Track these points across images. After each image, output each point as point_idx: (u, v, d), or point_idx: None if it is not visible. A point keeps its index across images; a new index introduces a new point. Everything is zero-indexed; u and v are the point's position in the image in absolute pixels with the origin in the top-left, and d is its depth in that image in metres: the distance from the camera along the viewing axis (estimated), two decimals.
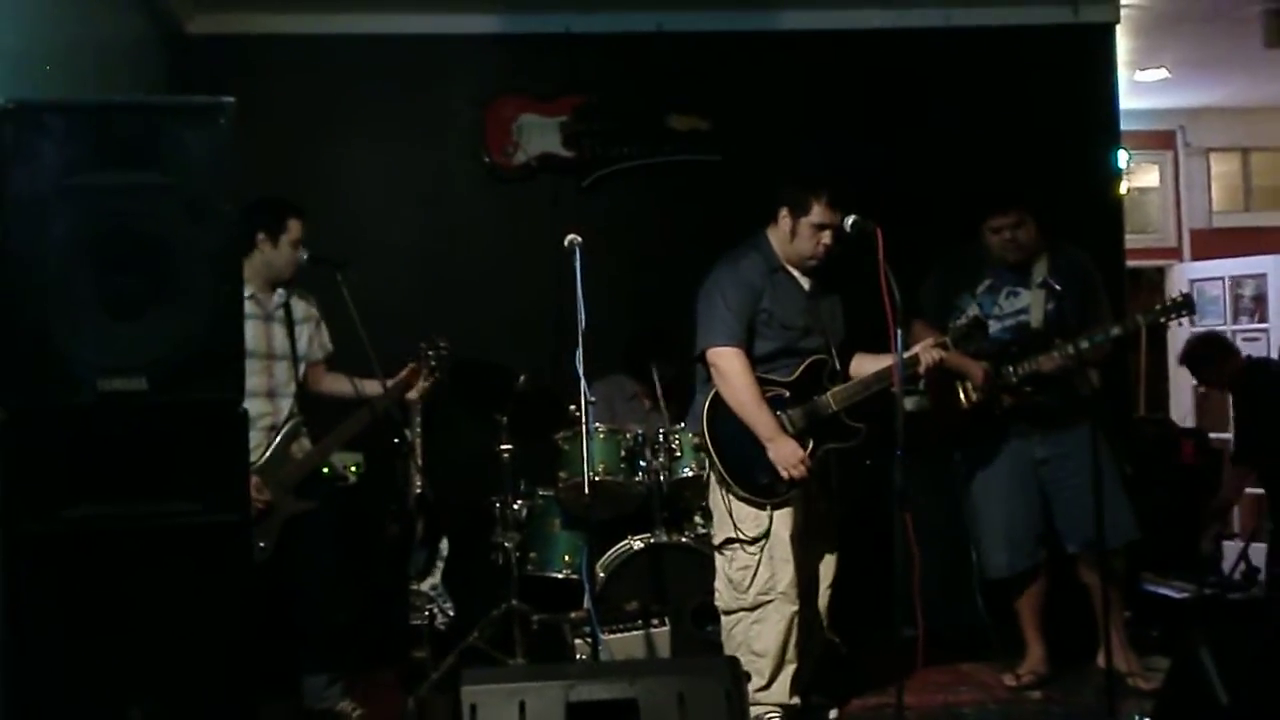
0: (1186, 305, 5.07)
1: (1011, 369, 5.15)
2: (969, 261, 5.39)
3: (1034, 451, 5.21)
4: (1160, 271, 9.52)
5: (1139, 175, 9.83)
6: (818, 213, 4.67)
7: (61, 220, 3.08)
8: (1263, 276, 8.97)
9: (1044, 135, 6.61)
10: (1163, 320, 5.22)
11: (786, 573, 4.68)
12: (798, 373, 4.78)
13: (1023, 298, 5.26)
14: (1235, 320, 8.97)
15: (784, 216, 4.75)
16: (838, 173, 5.15)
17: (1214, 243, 9.66)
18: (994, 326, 5.21)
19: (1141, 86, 8.51)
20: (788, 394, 4.76)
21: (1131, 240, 7.54)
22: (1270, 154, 10.24)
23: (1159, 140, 9.83)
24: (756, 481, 4.70)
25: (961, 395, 5.25)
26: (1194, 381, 9.14)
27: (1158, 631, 5.87)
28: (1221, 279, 9.11)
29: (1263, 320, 8.93)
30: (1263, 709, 3.48)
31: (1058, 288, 5.02)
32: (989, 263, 5.33)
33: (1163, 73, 8.39)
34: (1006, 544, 5.32)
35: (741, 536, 4.71)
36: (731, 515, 4.75)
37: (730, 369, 4.69)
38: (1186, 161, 9.91)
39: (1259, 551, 7.68)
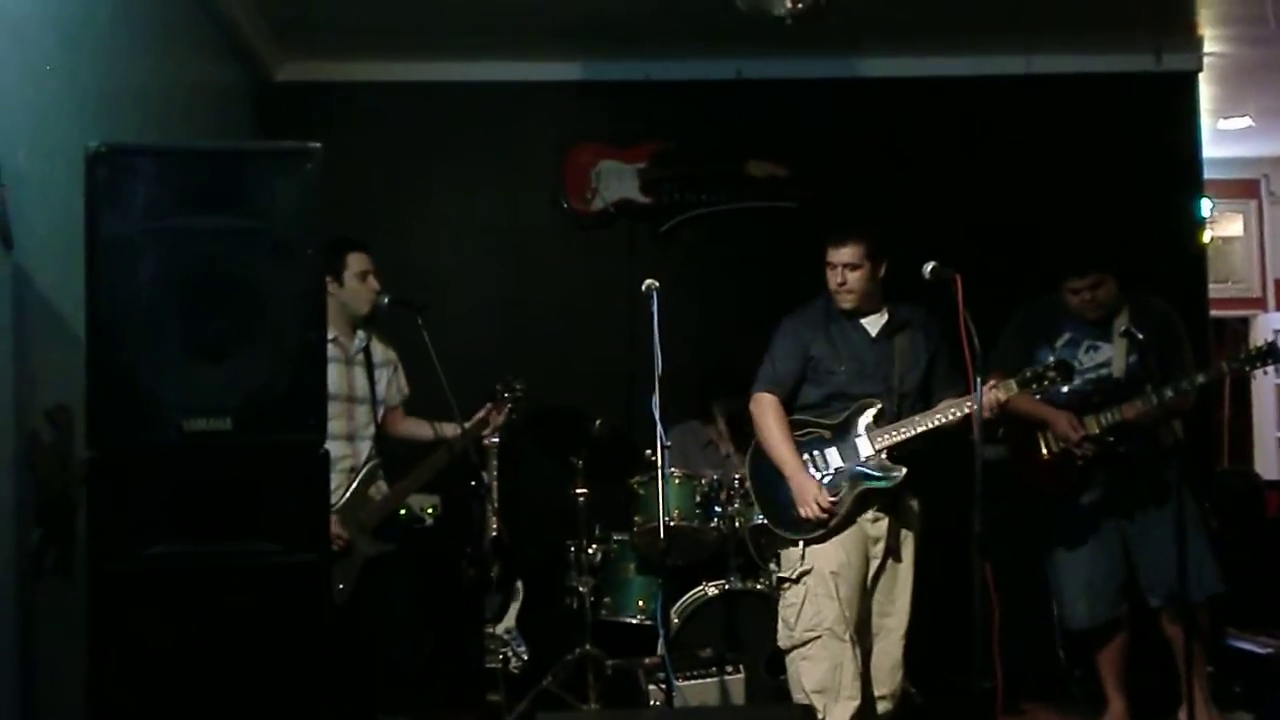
0: (1272, 354, 5.01)
1: (1094, 418, 5.10)
2: (1048, 314, 5.34)
3: (1117, 503, 5.14)
4: (1244, 321, 9.38)
5: (1223, 224, 9.71)
6: (829, 253, 4.71)
7: (150, 262, 3.14)
8: None
9: (1127, 184, 6.58)
10: (1247, 369, 5.16)
11: (831, 609, 4.63)
12: (843, 417, 4.76)
13: (1104, 351, 5.21)
14: None
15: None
16: (912, 219, 5.14)
17: None
18: (1075, 381, 5.14)
19: (1225, 135, 8.41)
20: (828, 434, 4.76)
21: (1215, 290, 7.45)
22: None
23: (1243, 189, 9.71)
24: (787, 517, 4.70)
25: (1043, 445, 5.21)
26: (1278, 433, 9.04)
27: (1241, 687, 5.75)
28: None
29: None
30: None
31: (1140, 336, 4.96)
32: (1069, 315, 5.29)
33: (1246, 121, 8.29)
34: (1088, 595, 5.25)
35: (786, 575, 4.71)
36: (781, 554, 4.76)
37: (758, 411, 4.77)
38: (1271, 210, 9.77)
39: None
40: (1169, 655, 5.23)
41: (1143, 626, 5.32)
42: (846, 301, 4.80)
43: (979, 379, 4.08)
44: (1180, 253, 6.75)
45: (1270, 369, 5.24)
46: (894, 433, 4.72)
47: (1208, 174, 7.09)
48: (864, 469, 4.71)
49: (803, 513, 4.65)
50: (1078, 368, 5.19)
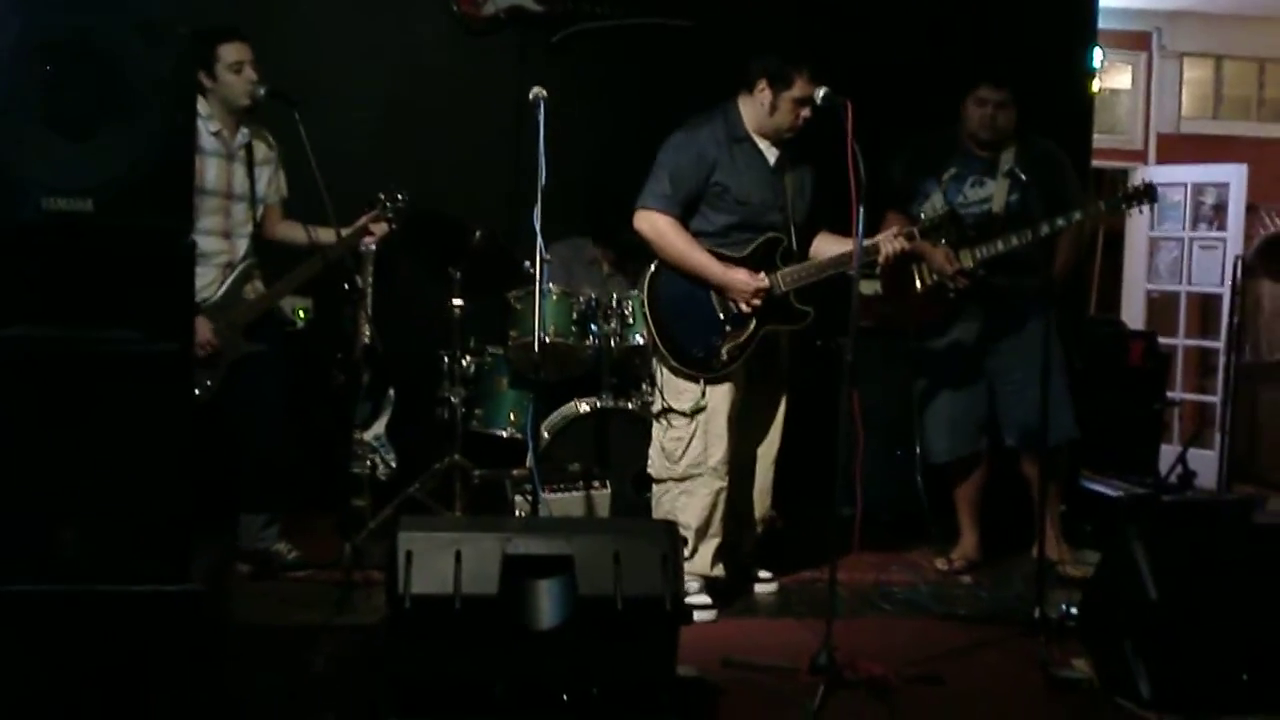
0: (1149, 194, 5.09)
1: (970, 252, 5.14)
2: (937, 148, 5.36)
3: (984, 341, 5.22)
4: (1123, 173, 9.47)
5: (1111, 75, 9.76)
6: (800, 87, 4.58)
7: (11, 26, 2.98)
8: (1225, 186, 8.97)
9: (1020, 28, 6.54)
10: (1124, 208, 5.25)
11: (720, 448, 4.70)
12: (750, 249, 4.73)
13: (988, 187, 5.24)
14: (1194, 227, 8.98)
15: (762, 88, 4.66)
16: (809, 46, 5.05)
17: (1180, 149, 9.63)
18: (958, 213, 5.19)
19: None
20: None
21: (1098, 140, 7.52)
22: (1243, 63, 10.19)
23: (1134, 41, 9.74)
24: (690, 355, 4.70)
25: (917, 278, 5.25)
26: (1148, 285, 9.26)
27: (1091, 527, 5.96)
28: (1184, 185, 9.09)
29: (1221, 229, 8.95)
30: (1188, 606, 3.56)
31: (1023, 178, 4.99)
32: (957, 151, 5.31)
33: None
34: (949, 429, 5.37)
35: (677, 408, 4.72)
36: (667, 386, 4.76)
37: (655, 230, 4.67)
38: (1160, 64, 9.84)
39: (1196, 457, 7.80)
40: (1025, 494, 5.40)
41: (1003, 466, 5.48)
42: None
43: (861, 210, 4.05)
44: (1068, 100, 6.77)
45: (1144, 210, 5.32)
46: (802, 274, 4.72)
47: (1100, 23, 7.08)
48: (776, 309, 4.71)
49: (744, 307, 4.64)
50: (962, 201, 5.23)
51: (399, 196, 5.12)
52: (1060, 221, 5.04)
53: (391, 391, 5.52)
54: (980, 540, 5.52)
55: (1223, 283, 8.67)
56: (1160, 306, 9.33)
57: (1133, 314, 9.27)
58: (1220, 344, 8.72)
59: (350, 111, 6.05)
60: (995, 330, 5.21)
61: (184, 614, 3.16)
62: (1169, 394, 8.38)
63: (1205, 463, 8.13)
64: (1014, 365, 5.19)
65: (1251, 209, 8.89)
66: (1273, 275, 7.62)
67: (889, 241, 4.68)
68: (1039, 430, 4.68)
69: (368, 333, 5.29)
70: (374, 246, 5.16)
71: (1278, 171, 9.59)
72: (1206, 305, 9.09)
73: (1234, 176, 8.90)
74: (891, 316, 5.45)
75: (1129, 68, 9.82)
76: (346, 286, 5.13)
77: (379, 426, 5.47)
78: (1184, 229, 9.10)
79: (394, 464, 5.43)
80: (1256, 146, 9.61)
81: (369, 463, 5.38)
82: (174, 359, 3.15)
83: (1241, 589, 3.66)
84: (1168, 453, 7.93)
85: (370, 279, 5.28)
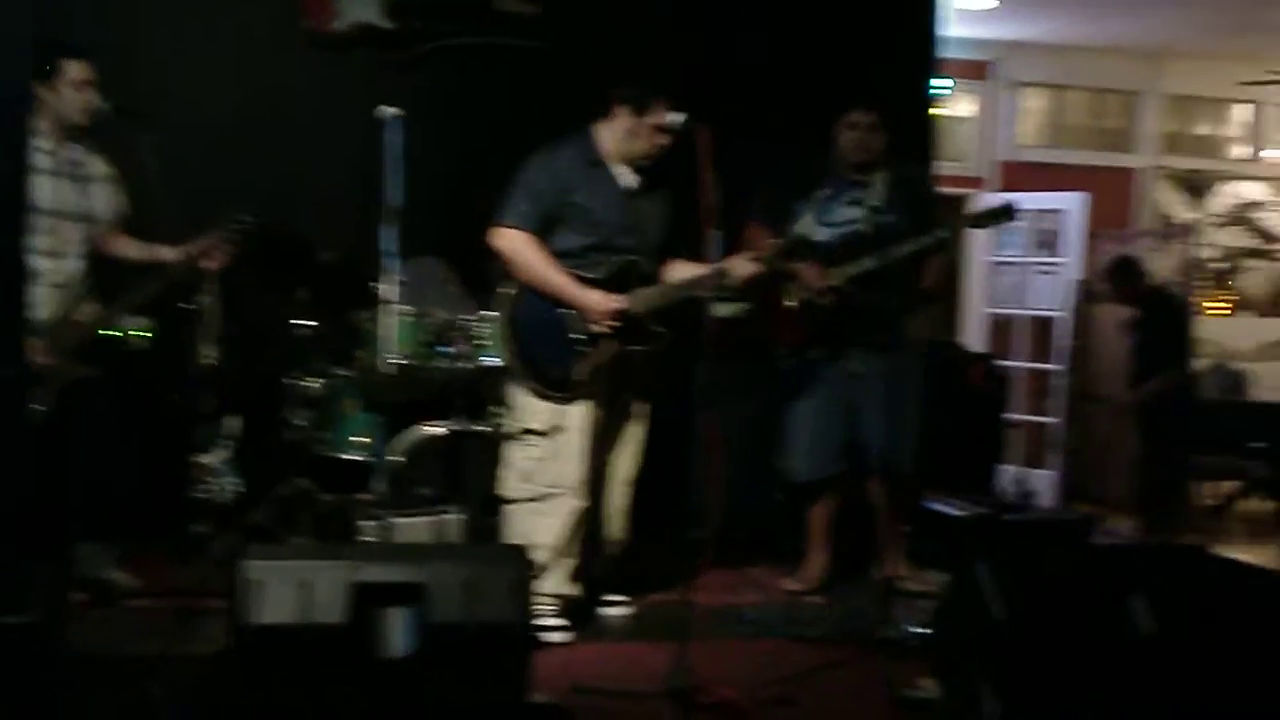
0: (1007, 213, 5.23)
1: (839, 270, 5.22)
2: (810, 170, 5.45)
3: (848, 361, 5.27)
4: (962, 200, 9.71)
5: (955, 104, 10.00)
6: (658, 113, 4.62)
7: None
8: (1065, 213, 9.24)
9: (866, 56, 6.63)
10: (983, 225, 5.40)
11: (576, 469, 4.69)
12: (606, 271, 4.73)
13: (859, 209, 5.33)
14: (1035, 253, 9.23)
15: (621, 114, 4.68)
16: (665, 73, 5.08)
17: (1021, 176, 9.90)
18: (826, 233, 5.31)
19: (963, 15, 8.61)
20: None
21: (940, 167, 7.67)
22: (1082, 93, 10.54)
23: (975, 71, 10.00)
24: (547, 375, 4.68)
25: (786, 296, 5.31)
26: (987, 309, 9.49)
27: (935, 547, 6.05)
28: (1024, 212, 9.33)
29: (1060, 255, 9.21)
30: (1033, 625, 3.62)
31: (891, 218, 5.10)
32: (831, 173, 5.41)
33: (990, 2, 8.51)
34: (809, 450, 5.42)
35: (532, 428, 4.68)
36: (523, 407, 4.73)
37: (512, 249, 4.65)
38: (1000, 94, 10.11)
39: (1035, 476, 8.02)
40: (870, 514, 5.48)
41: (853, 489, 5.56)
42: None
43: (717, 232, 4.08)
44: (913, 128, 6.88)
45: (1004, 227, 5.49)
46: (658, 296, 4.73)
47: (943, 53, 7.24)
48: (632, 331, 4.71)
49: (599, 328, 4.61)
50: (831, 221, 5.33)
51: (242, 217, 5.00)
52: (926, 240, 5.16)
53: (235, 415, 5.38)
54: (829, 563, 5.58)
55: (1059, 306, 8.93)
56: (998, 329, 9.56)
57: (972, 336, 9.49)
58: (1057, 367, 8.98)
59: (194, 128, 5.86)
60: (859, 352, 5.28)
61: (20, 645, 3.04)
62: (1007, 415, 8.60)
63: (1044, 482, 8.36)
64: (874, 388, 5.26)
65: (1091, 236, 9.17)
66: (1119, 296, 7.88)
67: (741, 265, 4.71)
68: (890, 455, 4.76)
69: (210, 354, 5.15)
70: (217, 266, 5.03)
71: (1113, 200, 9.94)
72: (1043, 328, 9.34)
73: (1074, 204, 9.17)
74: (764, 334, 5.50)
75: (970, 96, 10.08)
76: (188, 307, 4.99)
77: (222, 450, 5.32)
78: (1025, 254, 9.35)
79: (237, 489, 5.29)
80: (1094, 175, 9.94)
81: (211, 488, 5.23)
82: (5, 384, 3.03)
83: (1082, 608, 3.73)
84: (1007, 473, 8.14)
85: (213, 299, 5.14)
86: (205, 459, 5.24)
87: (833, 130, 5.39)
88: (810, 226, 5.33)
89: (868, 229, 5.29)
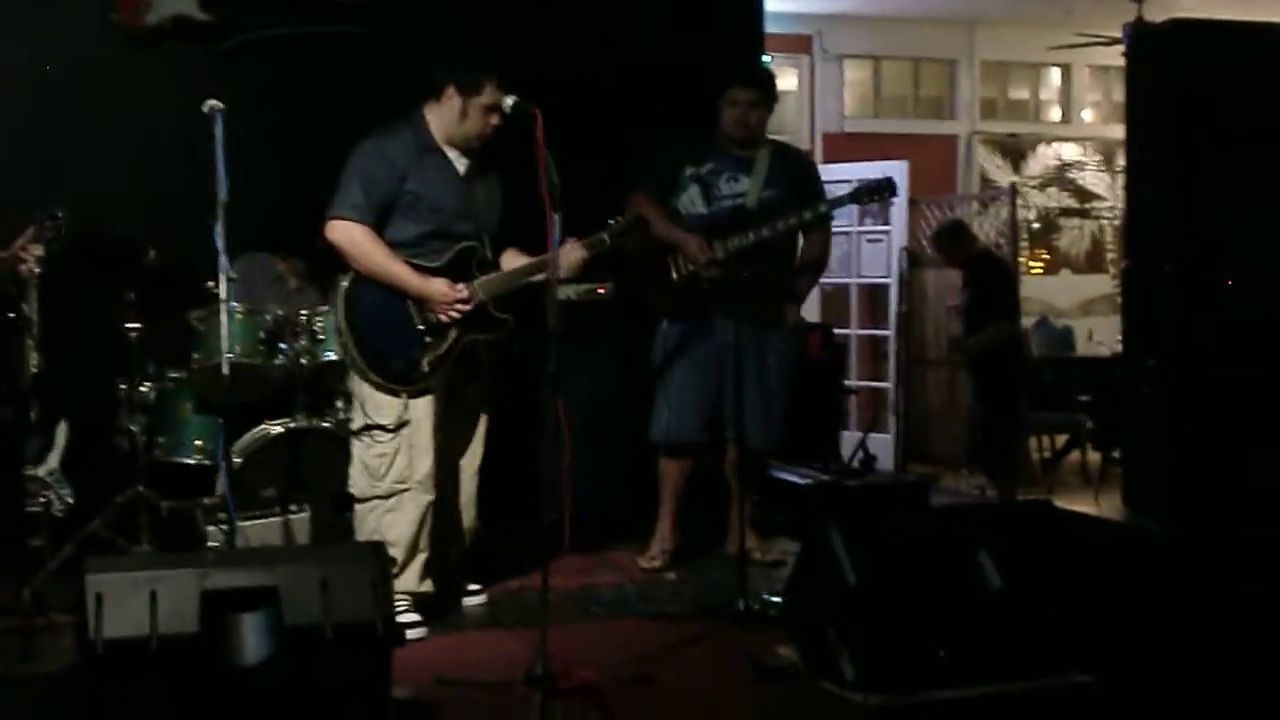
0: (889, 187, 5.37)
1: (723, 243, 5.28)
2: (697, 144, 5.54)
3: (728, 335, 5.29)
4: None
5: (777, 78, 10.11)
6: (489, 93, 4.55)
7: None
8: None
9: (690, 32, 6.68)
10: (866, 200, 5.58)
11: (425, 462, 4.63)
12: (446, 258, 4.67)
13: (743, 183, 5.45)
14: (861, 222, 9.39)
15: (451, 95, 4.61)
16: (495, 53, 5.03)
17: (845, 147, 10.10)
18: (711, 207, 5.42)
19: None
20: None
21: None
22: (900, 63, 10.77)
23: (796, 44, 10.15)
24: (391, 368, 4.61)
25: (672, 268, 5.36)
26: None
27: (783, 515, 6.16)
28: (850, 182, 9.47)
29: (885, 223, 9.38)
30: (885, 589, 3.69)
31: (773, 193, 5.31)
32: (716, 148, 5.50)
33: None
34: (676, 413, 5.46)
35: (379, 423, 4.61)
36: (368, 401, 4.65)
37: (349, 240, 4.55)
38: (822, 67, 10.27)
39: (874, 441, 8.19)
40: (715, 487, 5.55)
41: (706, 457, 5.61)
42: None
43: (558, 216, 4.06)
44: None
45: (889, 201, 5.63)
46: (500, 282, 4.68)
47: (765, 27, 7.32)
48: (476, 319, 4.65)
49: (443, 317, 4.56)
50: (716, 194, 5.40)
51: (56, 214, 4.80)
52: (807, 214, 5.30)
53: (64, 423, 5.20)
54: (676, 524, 5.62)
55: (889, 274, 9.11)
56: (832, 299, 9.72)
57: (808, 307, 9.60)
58: (890, 332, 9.17)
59: (4, 129, 5.65)
60: (738, 330, 5.29)
61: None
62: (846, 382, 8.77)
63: (883, 446, 8.54)
64: (748, 366, 5.31)
65: (913, 203, 9.38)
66: (948, 260, 8.10)
67: (568, 254, 4.63)
68: (755, 430, 4.84)
69: (35, 362, 4.97)
70: (37, 270, 4.84)
71: (934, 166, 10.19)
72: (875, 296, 9.52)
73: (896, 172, 9.31)
74: (651, 305, 5.57)
75: (794, 70, 10.22)
76: (10, 314, 4.81)
77: (52, 461, 5.14)
78: (852, 224, 9.50)
79: (71, 500, 5.12)
80: (915, 143, 10.18)
81: (43, 500, 5.05)
82: None
83: (926, 568, 3.82)
84: (848, 439, 8.29)
85: (35, 305, 4.96)
86: (36, 471, 5.06)
87: (718, 105, 5.47)
88: (695, 200, 5.43)
89: (750, 204, 5.36)
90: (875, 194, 5.45)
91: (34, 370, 4.99)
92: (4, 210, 4.61)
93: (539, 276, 4.61)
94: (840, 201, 5.58)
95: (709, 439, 5.49)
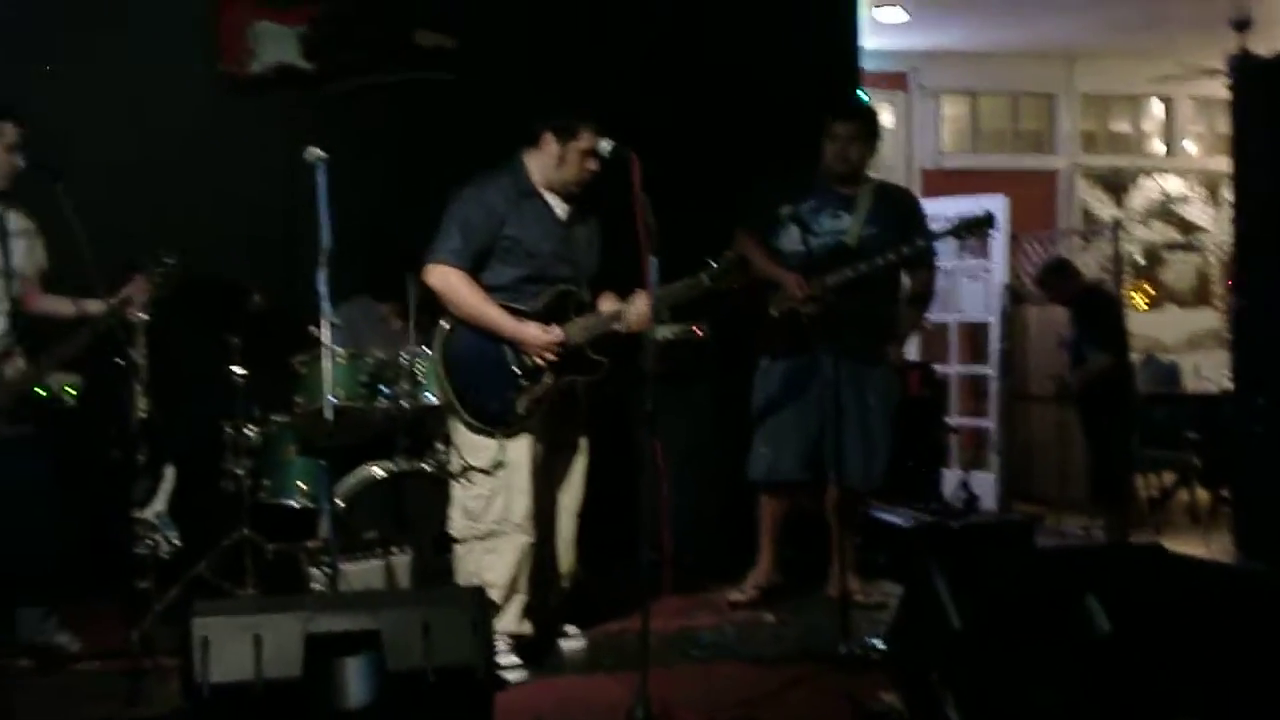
0: (989, 221, 5.30)
1: (820, 280, 5.26)
2: (798, 181, 5.51)
3: (828, 372, 5.27)
4: None
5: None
6: (586, 138, 4.59)
7: None
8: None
9: (787, 71, 6.67)
10: (965, 235, 5.49)
11: (522, 503, 4.64)
12: (543, 302, 4.70)
13: (844, 220, 5.41)
14: (960, 258, 9.29)
15: (548, 141, 4.65)
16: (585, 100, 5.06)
17: (943, 183, 10.01)
18: (812, 243, 5.32)
19: (878, 27, 8.69)
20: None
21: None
22: (998, 98, 10.67)
23: (893, 81, 10.10)
24: (487, 410, 4.63)
25: (771, 306, 5.34)
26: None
27: (884, 557, 6.08)
28: (949, 219, 9.38)
29: (986, 259, 9.27)
30: (990, 632, 3.62)
31: (874, 230, 5.25)
32: (818, 186, 5.48)
33: (900, 13, 8.59)
34: (775, 452, 5.44)
35: (475, 465, 4.64)
36: (465, 444, 4.67)
37: (446, 285, 4.61)
38: (919, 103, 10.21)
39: (976, 480, 8.07)
40: (817, 527, 5.49)
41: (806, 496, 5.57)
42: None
43: (654, 259, 4.07)
44: None
45: (990, 235, 5.55)
46: (595, 325, 4.69)
47: (861, 65, 7.30)
48: (572, 361, 4.67)
49: (539, 361, 4.58)
50: (817, 230, 5.36)
51: (166, 260, 4.90)
52: (906, 250, 5.23)
53: (170, 466, 5.28)
54: (776, 564, 5.58)
55: (989, 311, 8.99)
56: (931, 336, 9.61)
57: (907, 345, 9.52)
58: (990, 370, 9.05)
59: (115, 176, 5.77)
60: (839, 367, 5.27)
61: None
62: (946, 420, 8.65)
63: (985, 485, 8.41)
64: (849, 404, 5.26)
65: (1013, 239, 9.26)
66: (1053, 297, 7.95)
67: (641, 306, 4.55)
68: (856, 469, 4.80)
69: (143, 406, 5.05)
70: (145, 315, 4.94)
71: (1035, 201, 10.06)
72: (975, 333, 9.40)
73: (996, 207, 9.21)
74: (751, 341, 5.56)
75: (890, 107, 10.17)
76: (118, 359, 4.90)
77: (159, 503, 5.22)
78: (951, 261, 9.40)
79: (177, 542, 5.18)
80: (1014, 178, 10.06)
81: (150, 542, 5.12)
82: None
83: (1032, 612, 3.74)
84: (949, 477, 8.17)
85: (143, 349, 5.05)
86: (143, 514, 5.14)
87: (823, 136, 5.47)
88: (795, 237, 5.36)
89: (851, 241, 5.33)
90: (974, 229, 5.38)
91: (142, 414, 5.07)
92: (112, 255, 4.68)
93: (619, 324, 4.62)
94: (937, 236, 5.51)
95: (809, 478, 5.44)
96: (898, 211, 5.50)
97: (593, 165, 4.62)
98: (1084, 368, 7.44)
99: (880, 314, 5.41)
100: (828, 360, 5.16)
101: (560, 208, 4.74)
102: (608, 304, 4.80)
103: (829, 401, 5.22)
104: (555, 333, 4.61)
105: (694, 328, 5.82)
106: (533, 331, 4.60)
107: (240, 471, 5.20)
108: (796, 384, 5.41)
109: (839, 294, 5.22)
